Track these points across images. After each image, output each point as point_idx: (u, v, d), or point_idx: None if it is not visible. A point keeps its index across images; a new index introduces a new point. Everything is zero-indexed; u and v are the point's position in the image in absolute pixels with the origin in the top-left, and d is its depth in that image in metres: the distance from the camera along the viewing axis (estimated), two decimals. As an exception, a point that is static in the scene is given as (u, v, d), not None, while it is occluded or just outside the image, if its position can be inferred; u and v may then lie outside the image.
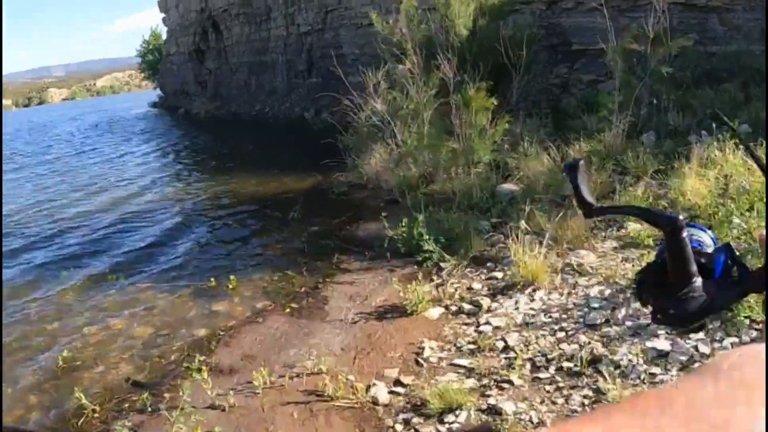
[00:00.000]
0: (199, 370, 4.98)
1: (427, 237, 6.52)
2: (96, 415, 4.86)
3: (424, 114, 10.22)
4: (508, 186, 8.29)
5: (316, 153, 12.89)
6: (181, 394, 4.54)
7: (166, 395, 4.87)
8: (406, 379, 4.28)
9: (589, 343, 4.21)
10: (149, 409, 4.68)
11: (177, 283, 7.77)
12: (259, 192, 12.67)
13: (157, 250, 9.55)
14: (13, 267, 9.44)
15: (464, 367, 4.27)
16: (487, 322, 4.84)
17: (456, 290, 5.70)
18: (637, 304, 4.37)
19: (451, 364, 4.36)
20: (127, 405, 4.94)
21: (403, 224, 6.89)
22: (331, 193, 10.95)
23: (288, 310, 6.19)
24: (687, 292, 0.80)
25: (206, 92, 34.48)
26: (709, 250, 0.85)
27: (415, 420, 3.87)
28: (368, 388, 4.25)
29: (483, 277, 5.89)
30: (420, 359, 4.53)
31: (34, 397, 5.50)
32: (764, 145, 6.23)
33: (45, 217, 13.16)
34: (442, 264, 6.36)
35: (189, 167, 18.56)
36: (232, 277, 7.26)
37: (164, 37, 45.17)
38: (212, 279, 7.40)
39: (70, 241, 10.63)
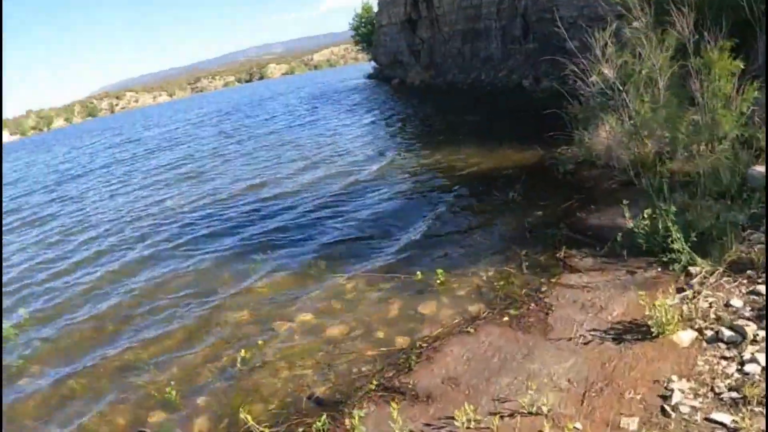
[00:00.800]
0: (391, 393, 4.62)
1: (676, 234, 5.53)
2: (262, 440, 4.52)
3: (659, 80, 9.00)
4: (763, 168, 6.90)
5: (537, 124, 11.99)
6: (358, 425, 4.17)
7: (347, 422, 4.44)
8: (650, 437, 3.47)
9: None
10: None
11: (379, 273, 7.42)
12: (476, 166, 12.13)
13: (361, 233, 9.32)
14: (210, 252, 9.70)
15: (725, 426, 3.41)
16: (753, 359, 3.91)
17: (711, 306, 4.76)
18: None
19: (708, 419, 3.51)
20: (301, 430, 4.61)
21: (646, 215, 5.94)
22: (556, 171, 9.96)
23: (506, 318, 5.54)
24: None
25: (420, 61, 34.52)
26: None
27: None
28: (600, 445, 3.50)
29: (743, 290, 4.86)
30: (667, 406, 3.71)
31: (204, 400, 5.45)
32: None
33: (252, 194, 13.67)
34: (691, 269, 5.40)
35: (404, 139, 18.44)
36: (440, 270, 6.76)
37: (375, 9, 46.13)
38: (418, 272, 6.97)
39: (272, 224, 10.78)
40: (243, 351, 6.01)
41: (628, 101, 9.50)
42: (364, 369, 5.35)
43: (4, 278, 10.57)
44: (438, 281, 6.66)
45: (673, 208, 5.68)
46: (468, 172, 11.79)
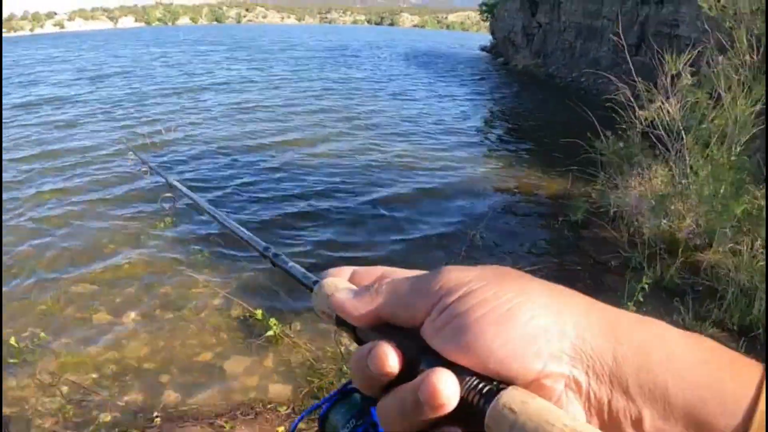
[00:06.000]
0: None
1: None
2: None
3: (733, 138, 6.39)
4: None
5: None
6: None
7: None
8: None
9: None
10: None
11: (235, 290, 5.43)
12: (484, 182, 9.74)
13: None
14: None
15: None
16: None
17: None
18: None
19: None
20: None
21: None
22: (564, 218, 7.36)
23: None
24: None
25: (531, 46, 31.47)
26: None
27: None
28: None
29: None
30: None
31: None
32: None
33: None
34: None
35: (469, 133, 14.91)
36: (273, 320, 4.52)
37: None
38: (260, 310, 4.66)
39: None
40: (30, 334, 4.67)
41: (685, 154, 6.94)
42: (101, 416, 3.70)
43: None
44: (272, 333, 4.52)
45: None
46: (482, 185, 9.54)
